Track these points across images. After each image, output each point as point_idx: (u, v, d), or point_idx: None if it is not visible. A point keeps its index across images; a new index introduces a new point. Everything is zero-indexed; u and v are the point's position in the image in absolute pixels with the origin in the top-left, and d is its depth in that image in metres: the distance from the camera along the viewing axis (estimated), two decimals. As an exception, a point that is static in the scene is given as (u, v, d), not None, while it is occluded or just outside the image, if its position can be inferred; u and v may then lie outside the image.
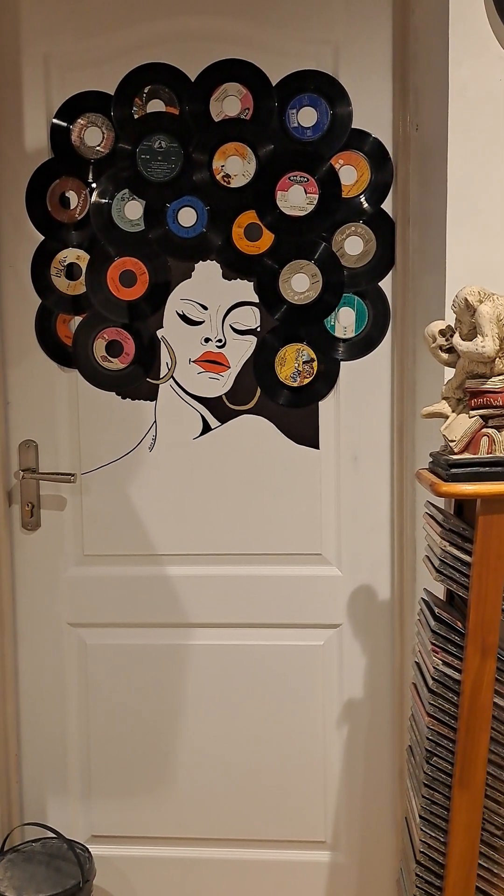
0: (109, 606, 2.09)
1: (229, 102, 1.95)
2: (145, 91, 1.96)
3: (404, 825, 1.61)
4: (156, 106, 1.97)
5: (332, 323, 1.99)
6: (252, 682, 2.08)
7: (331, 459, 2.02)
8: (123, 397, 2.05)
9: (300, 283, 1.98)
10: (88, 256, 2.02)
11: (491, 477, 1.31)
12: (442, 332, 1.43)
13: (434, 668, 1.37)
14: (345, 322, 1.98)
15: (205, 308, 2.01)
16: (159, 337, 2.02)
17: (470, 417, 1.35)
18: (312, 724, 2.08)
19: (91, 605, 2.10)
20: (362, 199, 1.95)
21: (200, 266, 2.00)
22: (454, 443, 1.34)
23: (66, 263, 2.02)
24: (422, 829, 1.41)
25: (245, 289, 2.00)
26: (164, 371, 2.03)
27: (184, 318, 2.02)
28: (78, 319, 2.03)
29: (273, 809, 2.10)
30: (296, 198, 1.96)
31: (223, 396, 2.03)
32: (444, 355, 1.44)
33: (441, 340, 1.43)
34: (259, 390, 2.02)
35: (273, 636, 2.07)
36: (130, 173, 1.98)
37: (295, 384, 2.01)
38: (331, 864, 2.10)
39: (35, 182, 2.00)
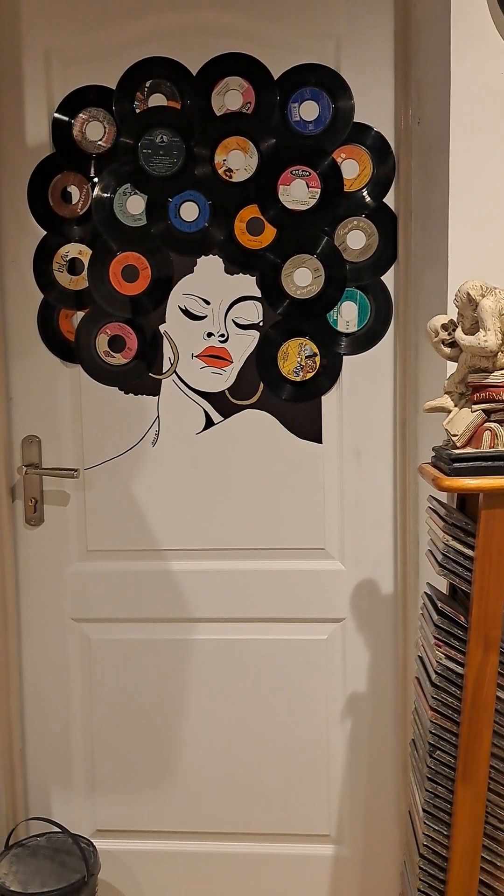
0: (113, 602, 2.09)
1: (231, 96, 1.95)
2: (147, 85, 1.96)
3: (408, 819, 1.61)
4: (157, 100, 1.96)
5: (335, 317, 1.99)
6: (255, 676, 2.08)
7: (333, 454, 2.02)
8: (126, 392, 2.05)
9: (302, 278, 1.98)
10: (90, 251, 2.01)
11: (493, 471, 1.31)
12: (444, 327, 1.43)
13: (437, 662, 1.37)
14: (347, 316, 1.98)
15: (207, 303, 2.01)
16: (162, 332, 2.02)
17: (472, 412, 1.35)
18: (316, 719, 2.08)
19: (95, 601, 2.10)
20: (364, 193, 1.95)
21: (202, 261, 2.00)
22: (457, 437, 1.34)
23: (68, 258, 2.02)
24: (425, 823, 1.41)
25: (247, 283, 2.00)
26: (166, 366, 2.03)
27: (186, 312, 2.02)
28: (80, 314, 2.03)
29: (277, 803, 2.11)
30: (298, 192, 1.96)
31: (226, 391, 2.03)
32: (447, 350, 1.43)
33: (443, 335, 1.43)
34: (262, 385, 2.02)
35: (276, 631, 2.07)
36: (132, 168, 1.98)
37: (297, 379, 2.01)
38: (334, 857, 2.11)
39: (37, 177, 2.00)
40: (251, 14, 1.93)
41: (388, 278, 1.97)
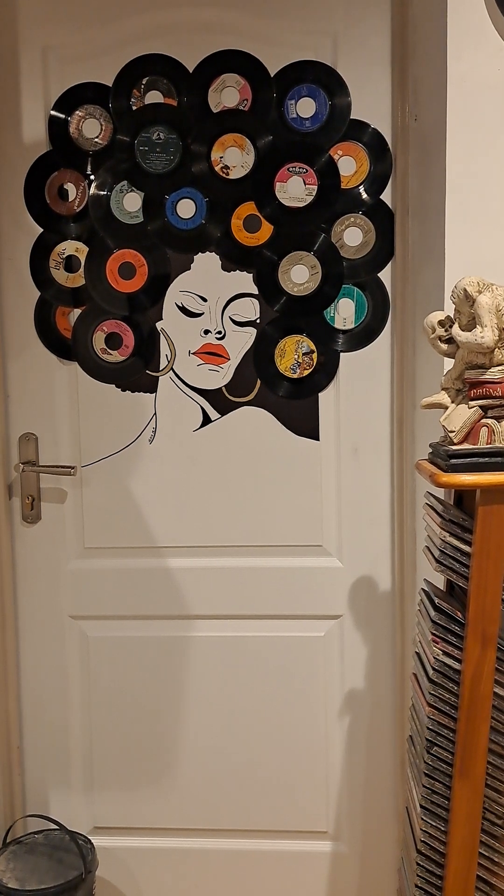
0: (110, 599, 2.09)
1: (228, 93, 1.95)
2: (143, 82, 1.96)
3: (405, 815, 1.61)
4: (154, 97, 1.96)
5: (332, 314, 1.99)
6: (253, 673, 2.08)
7: (331, 451, 2.02)
8: (123, 390, 2.05)
9: (299, 275, 1.98)
10: (87, 249, 2.01)
11: (490, 467, 1.31)
12: (441, 323, 1.43)
13: (434, 658, 1.37)
14: (344, 313, 1.98)
15: (204, 300, 2.01)
16: (159, 329, 2.02)
17: (469, 408, 1.35)
18: (314, 715, 2.09)
19: (92, 598, 2.10)
20: (361, 189, 1.95)
21: (200, 258, 2.00)
22: (454, 433, 1.34)
23: (64, 256, 2.02)
24: (423, 819, 1.41)
25: (244, 280, 2.00)
26: (163, 363, 2.03)
27: (183, 310, 2.02)
28: (77, 312, 2.03)
29: (275, 800, 2.11)
30: (295, 189, 1.96)
31: (223, 388, 2.03)
32: (444, 346, 1.43)
33: (440, 331, 1.43)
34: (259, 382, 2.02)
35: (274, 627, 2.07)
36: (129, 165, 1.98)
37: (295, 376, 2.01)
38: (332, 854, 2.11)
39: (33, 174, 2.00)
40: (248, 11, 1.93)
41: (385, 275, 1.97)
